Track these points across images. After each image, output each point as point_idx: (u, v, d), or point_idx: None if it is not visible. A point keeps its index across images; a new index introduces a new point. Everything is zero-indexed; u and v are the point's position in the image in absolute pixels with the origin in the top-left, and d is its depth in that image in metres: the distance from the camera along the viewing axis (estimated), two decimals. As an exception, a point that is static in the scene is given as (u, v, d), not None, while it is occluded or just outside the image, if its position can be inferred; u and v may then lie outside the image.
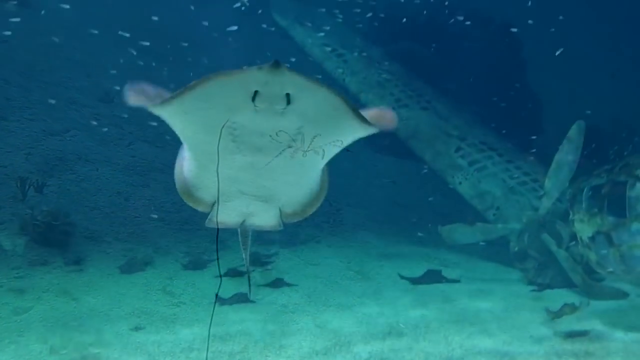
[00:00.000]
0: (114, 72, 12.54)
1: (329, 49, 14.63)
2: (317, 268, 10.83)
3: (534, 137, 13.21)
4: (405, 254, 12.01)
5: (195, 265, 10.14)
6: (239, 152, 3.11)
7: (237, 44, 14.36)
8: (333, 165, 3.65)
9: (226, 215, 3.75)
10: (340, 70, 13.99)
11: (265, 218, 3.80)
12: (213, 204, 3.68)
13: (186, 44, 14.20)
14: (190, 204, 3.74)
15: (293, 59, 12.25)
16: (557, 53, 12.10)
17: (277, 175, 3.33)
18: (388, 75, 13.58)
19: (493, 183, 11.25)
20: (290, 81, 2.64)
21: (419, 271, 9.78)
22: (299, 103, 2.75)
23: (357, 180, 13.93)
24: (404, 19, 15.02)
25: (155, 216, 10.72)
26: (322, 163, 3.41)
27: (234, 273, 9.48)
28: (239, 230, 3.94)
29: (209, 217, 3.78)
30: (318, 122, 2.93)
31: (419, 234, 11.78)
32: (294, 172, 3.32)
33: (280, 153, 3.08)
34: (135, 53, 12.25)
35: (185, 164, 3.60)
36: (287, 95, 2.70)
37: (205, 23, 13.41)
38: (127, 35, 11.34)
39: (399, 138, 12.46)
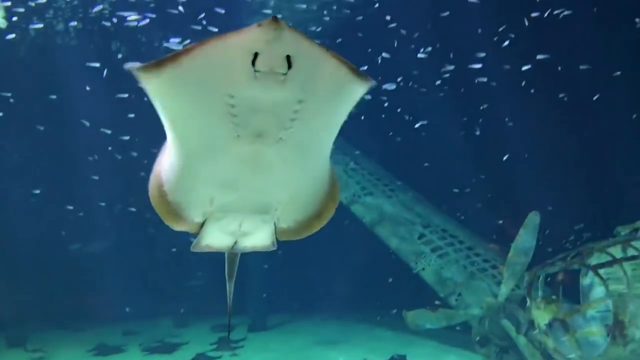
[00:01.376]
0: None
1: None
2: (284, 351, 10.90)
3: (500, 222, 13.73)
4: (369, 337, 12.17)
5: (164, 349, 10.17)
6: (238, 139, 2.68)
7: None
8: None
9: (215, 237, 3.17)
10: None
11: (259, 237, 3.21)
12: (202, 224, 3.07)
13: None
14: (172, 224, 3.04)
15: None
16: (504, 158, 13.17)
17: (277, 172, 2.86)
18: (354, 165, 14.17)
19: (455, 269, 11.65)
20: (291, 38, 2.36)
21: (384, 356, 9.93)
22: (301, 67, 2.46)
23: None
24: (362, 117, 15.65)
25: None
26: (327, 153, 3.01)
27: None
28: (226, 255, 3.36)
29: (196, 240, 3.16)
30: (319, 92, 2.62)
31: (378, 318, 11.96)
32: (296, 165, 2.87)
33: (281, 138, 2.71)
34: None
35: (168, 168, 2.95)
36: (288, 58, 2.41)
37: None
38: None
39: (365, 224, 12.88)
